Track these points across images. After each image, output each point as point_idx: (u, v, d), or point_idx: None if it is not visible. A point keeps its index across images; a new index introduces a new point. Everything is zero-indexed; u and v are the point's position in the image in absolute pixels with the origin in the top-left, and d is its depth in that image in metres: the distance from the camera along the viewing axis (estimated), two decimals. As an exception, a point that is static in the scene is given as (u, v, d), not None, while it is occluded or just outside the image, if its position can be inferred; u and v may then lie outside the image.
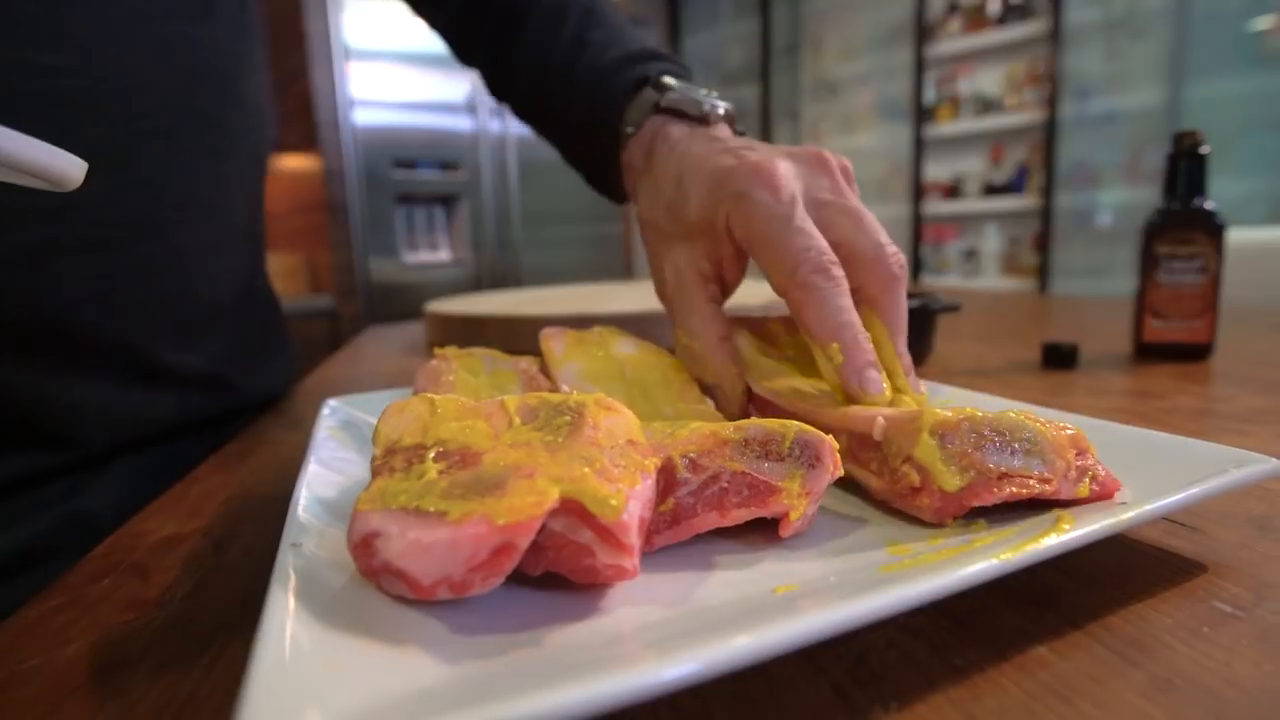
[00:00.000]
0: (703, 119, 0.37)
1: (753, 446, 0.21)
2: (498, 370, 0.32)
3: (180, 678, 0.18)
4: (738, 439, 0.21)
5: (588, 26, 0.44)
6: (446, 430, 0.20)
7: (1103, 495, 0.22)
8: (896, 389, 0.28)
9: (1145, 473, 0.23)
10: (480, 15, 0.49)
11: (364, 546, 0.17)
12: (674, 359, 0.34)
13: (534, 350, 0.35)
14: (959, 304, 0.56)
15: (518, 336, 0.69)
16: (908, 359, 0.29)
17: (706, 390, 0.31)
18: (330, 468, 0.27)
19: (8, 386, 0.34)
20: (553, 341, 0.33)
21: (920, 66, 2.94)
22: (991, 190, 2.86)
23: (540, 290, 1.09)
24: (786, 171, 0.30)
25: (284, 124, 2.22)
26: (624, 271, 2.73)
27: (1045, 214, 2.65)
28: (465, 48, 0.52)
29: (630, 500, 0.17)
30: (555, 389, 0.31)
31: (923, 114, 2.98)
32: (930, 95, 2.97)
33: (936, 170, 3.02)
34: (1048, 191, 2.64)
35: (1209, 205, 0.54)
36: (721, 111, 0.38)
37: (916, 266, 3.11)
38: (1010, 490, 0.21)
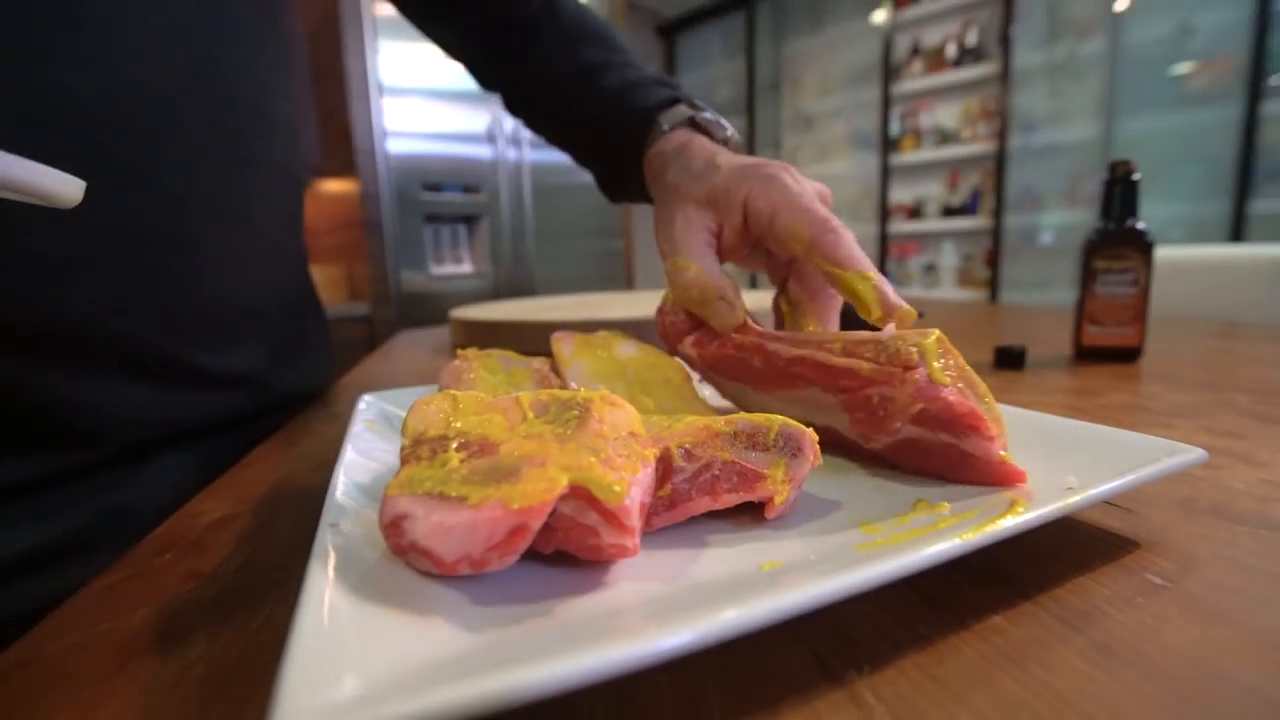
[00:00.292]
0: (724, 141, 0.40)
1: (741, 438, 0.21)
2: (513, 369, 0.32)
3: (232, 642, 0.18)
4: (728, 431, 0.21)
5: (612, 49, 0.46)
6: (467, 423, 0.20)
7: (1009, 477, 0.22)
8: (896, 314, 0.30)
9: (1087, 460, 0.23)
10: (497, 44, 0.50)
11: (393, 527, 0.17)
12: (671, 360, 0.33)
13: (546, 352, 0.35)
14: (921, 312, 0.56)
15: (531, 339, 0.69)
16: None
17: (703, 315, 0.32)
18: (365, 456, 0.27)
19: (48, 390, 0.32)
20: (562, 344, 0.33)
21: (887, 102, 2.94)
22: (949, 212, 2.85)
23: (551, 299, 1.08)
24: (796, 174, 0.34)
25: (326, 152, 2.22)
26: (626, 282, 2.72)
27: (996, 233, 2.65)
28: (482, 73, 0.53)
29: (632, 486, 0.17)
30: (565, 386, 0.31)
31: (889, 144, 2.98)
32: (895, 128, 2.97)
33: (901, 194, 3.02)
34: (998, 213, 2.64)
35: (1140, 225, 0.54)
36: (736, 139, 0.41)
37: (882, 278, 3.11)
38: (970, 410, 0.22)
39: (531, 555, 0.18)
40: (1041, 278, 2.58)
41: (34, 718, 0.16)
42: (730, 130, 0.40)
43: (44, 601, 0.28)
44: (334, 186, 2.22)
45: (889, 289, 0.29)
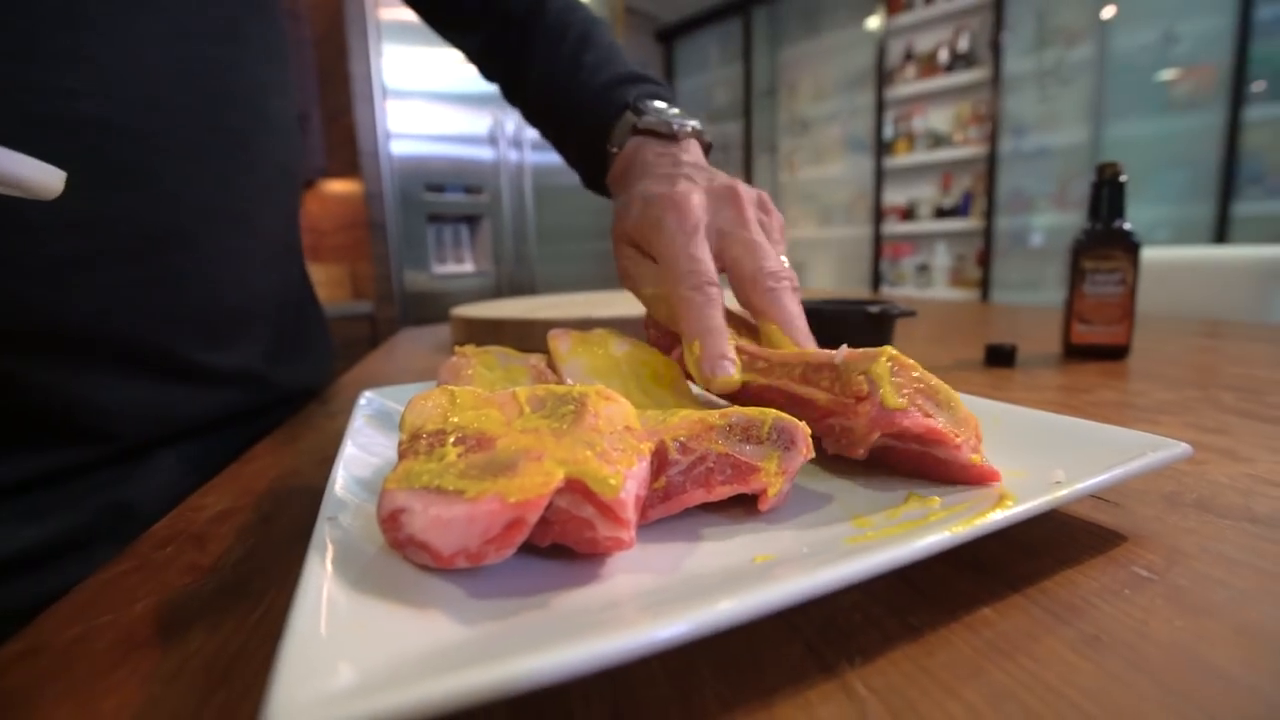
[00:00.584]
0: (673, 137, 0.38)
1: (735, 431, 0.21)
2: (510, 366, 0.32)
3: (232, 634, 0.18)
4: (722, 425, 0.21)
5: (582, 49, 0.45)
6: (464, 418, 0.20)
7: (983, 477, 0.22)
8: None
9: (1076, 455, 0.22)
10: (501, 37, 0.50)
11: (391, 521, 0.16)
12: (666, 357, 0.33)
13: (546, 349, 0.35)
14: (914, 311, 0.56)
15: (531, 337, 0.69)
16: (812, 347, 0.29)
17: (668, 320, 0.32)
18: (365, 451, 0.27)
19: (45, 387, 0.32)
20: (559, 341, 0.33)
21: (881, 107, 2.94)
22: (941, 213, 2.85)
23: (551, 297, 1.08)
24: (697, 204, 0.32)
25: (330, 153, 2.21)
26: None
27: (987, 234, 2.65)
28: (488, 66, 0.52)
29: (627, 480, 0.17)
30: (561, 382, 0.31)
31: (883, 147, 2.97)
32: (889, 131, 2.96)
33: (894, 196, 3.02)
34: (989, 215, 2.64)
35: (1127, 226, 0.54)
36: (690, 129, 0.39)
37: (876, 279, 3.11)
38: (930, 426, 0.21)
39: (528, 548, 0.18)
40: (1032, 278, 2.58)
41: (36, 708, 0.15)
42: (679, 123, 0.38)
43: (43, 598, 0.28)
44: (338, 187, 2.21)
45: (706, 363, 0.27)
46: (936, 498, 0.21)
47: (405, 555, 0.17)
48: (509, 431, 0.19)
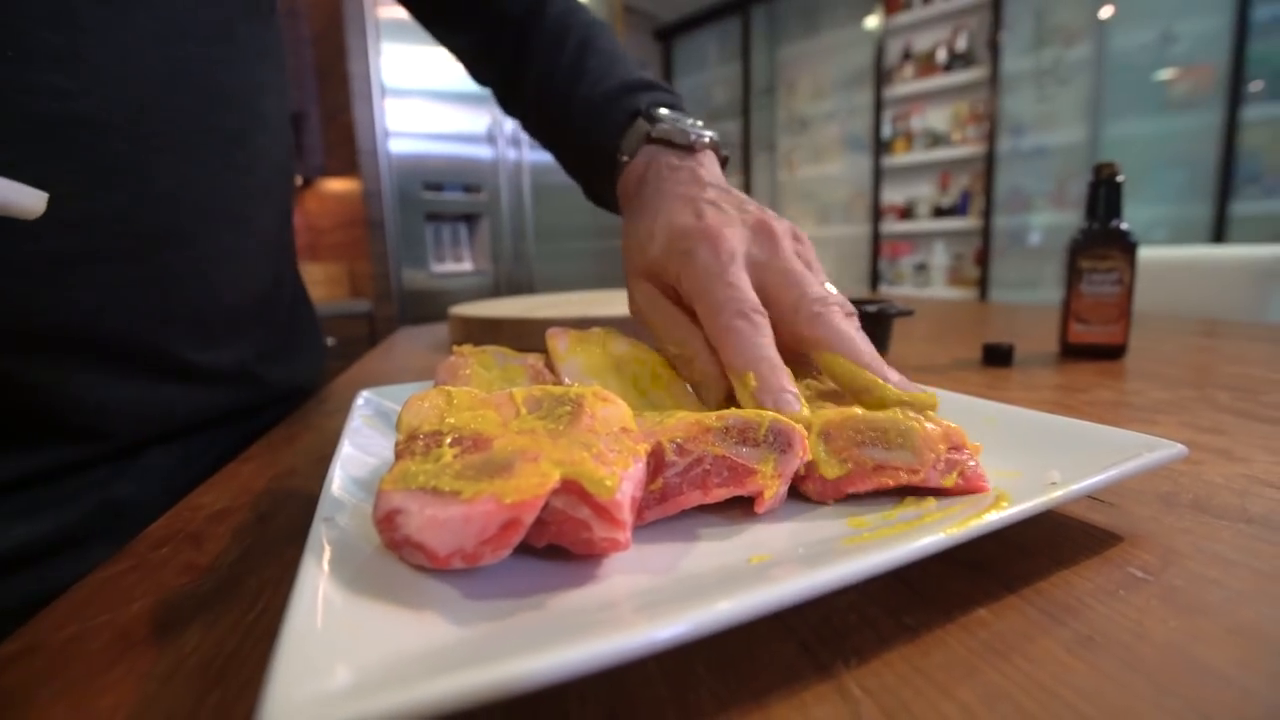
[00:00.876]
0: (689, 148, 0.37)
1: (732, 433, 0.21)
2: (508, 365, 0.32)
3: (227, 634, 0.18)
4: (719, 427, 0.21)
5: (585, 54, 0.43)
6: (461, 419, 0.20)
7: (968, 489, 0.21)
8: (879, 398, 0.26)
9: (1072, 455, 0.23)
10: (494, 39, 0.48)
11: (387, 521, 0.16)
12: (656, 354, 0.33)
13: (544, 348, 0.34)
14: (912, 310, 0.56)
15: (529, 336, 0.69)
16: (884, 369, 0.27)
17: (694, 387, 0.31)
18: (362, 451, 0.27)
19: (42, 386, 0.32)
20: (557, 340, 0.33)
21: (879, 106, 2.94)
22: (940, 212, 2.86)
23: (550, 296, 1.08)
24: (732, 236, 0.30)
25: (329, 151, 2.21)
26: (623, 281, 2.73)
27: (985, 233, 2.66)
28: (478, 68, 0.51)
29: (623, 481, 0.17)
30: (558, 382, 0.31)
31: (881, 146, 2.97)
32: (888, 130, 2.96)
33: (893, 195, 3.02)
34: (987, 214, 2.64)
35: (1124, 226, 0.54)
36: (707, 140, 0.37)
37: (875, 278, 3.11)
38: (881, 479, 0.21)
39: (524, 549, 0.18)
40: (1030, 277, 2.59)
41: (32, 707, 0.15)
42: (695, 133, 0.37)
43: (36, 597, 0.28)
44: (337, 185, 2.21)
45: (769, 399, 0.24)
46: (932, 499, 0.21)
47: (401, 556, 0.17)
48: (505, 432, 0.19)
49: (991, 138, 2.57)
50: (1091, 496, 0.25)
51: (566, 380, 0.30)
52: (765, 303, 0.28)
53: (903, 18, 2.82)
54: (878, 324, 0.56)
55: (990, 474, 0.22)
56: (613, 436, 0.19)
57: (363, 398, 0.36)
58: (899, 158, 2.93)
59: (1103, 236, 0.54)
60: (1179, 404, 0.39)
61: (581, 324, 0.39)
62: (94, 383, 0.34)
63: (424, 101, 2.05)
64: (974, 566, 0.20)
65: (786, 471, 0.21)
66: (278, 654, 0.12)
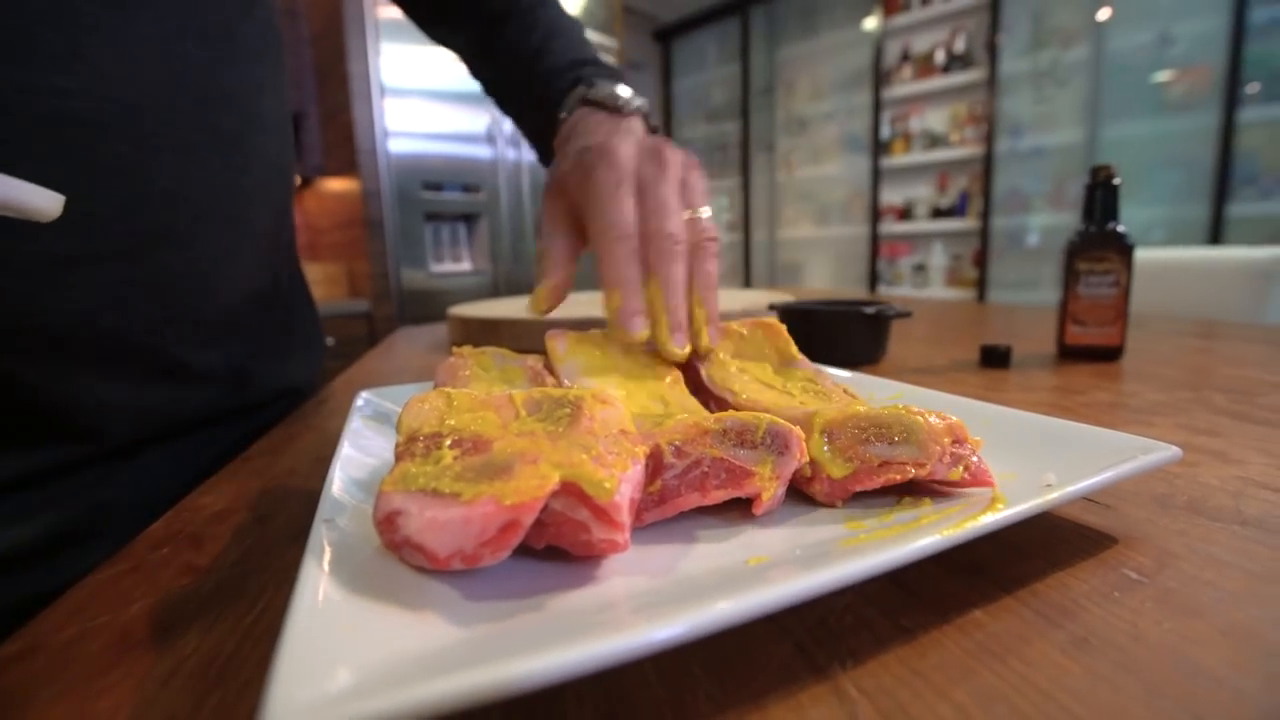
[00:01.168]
0: (617, 110, 0.41)
1: (730, 436, 0.21)
2: (507, 367, 0.32)
3: (227, 635, 0.18)
4: (717, 429, 0.21)
5: (551, 36, 0.50)
6: (461, 420, 0.20)
7: (974, 483, 0.22)
8: (656, 339, 0.31)
9: (1068, 457, 0.23)
10: (486, 37, 0.53)
11: (387, 523, 0.16)
12: (658, 354, 0.33)
13: (543, 349, 0.35)
14: (910, 311, 0.56)
15: (528, 337, 0.69)
16: (699, 315, 0.32)
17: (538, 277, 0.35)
18: (362, 452, 0.27)
19: (39, 386, 0.32)
20: (556, 341, 0.33)
21: (878, 107, 2.94)
22: (938, 213, 2.86)
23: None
24: (626, 154, 0.33)
25: (328, 151, 2.20)
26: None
27: (983, 234, 2.66)
28: (477, 65, 0.56)
29: (622, 483, 0.17)
30: (558, 383, 0.31)
31: (880, 147, 2.98)
32: (886, 131, 2.97)
33: (891, 196, 3.02)
34: (985, 215, 2.64)
35: (1121, 228, 0.54)
36: (635, 106, 0.42)
37: (873, 279, 3.11)
38: (888, 475, 0.21)
39: (524, 550, 0.18)
40: (1028, 277, 2.59)
41: (32, 708, 0.15)
42: (624, 99, 0.42)
43: (31, 597, 0.28)
44: (336, 185, 2.21)
45: (623, 315, 0.30)
46: (928, 500, 0.21)
47: (401, 557, 0.17)
48: (505, 434, 0.19)
49: (990, 139, 2.57)
50: (1087, 498, 0.25)
51: (566, 381, 0.30)
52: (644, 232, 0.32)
53: (901, 19, 2.82)
54: (876, 326, 0.56)
55: (986, 476, 0.22)
56: (612, 439, 0.19)
57: (362, 399, 0.36)
58: (897, 158, 2.93)
59: (1100, 239, 0.54)
60: (1175, 406, 0.39)
61: (582, 325, 0.40)
62: (91, 383, 0.34)
63: (423, 101, 2.05)
64: (970, 568, 0.20)
65: (784, 473, 0.21)
66: (280, 655, 0.12)
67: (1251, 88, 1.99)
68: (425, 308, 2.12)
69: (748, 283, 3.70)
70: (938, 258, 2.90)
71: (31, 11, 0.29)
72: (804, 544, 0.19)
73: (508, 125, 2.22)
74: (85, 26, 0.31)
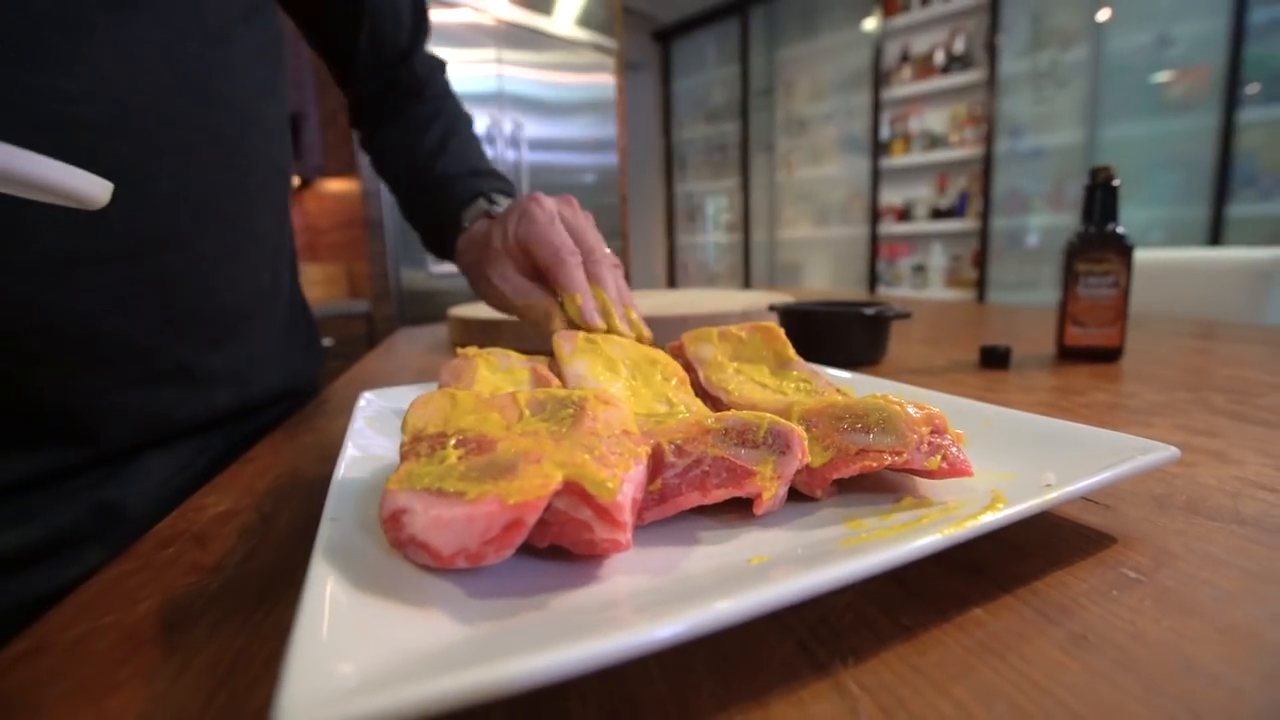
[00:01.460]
0: None
1: (731, 435, 0.21)
2: (512, 368, 0.32)
3: (234, 633, 0.18)
4: (718, 429, 0.21)
5: (449, 137, 0.57)
6: (465, 421, 0.20)
7: (953, 472, 0.22)
8: (610, 328, 0.37)
9: (1067, 458, 0.23)
10: (382, 98, 0.59)
11: (393, 521, 0.17)
12: (668, 358, 0.33)
13: (543, 350, 0.35)
14: (910, 312, 0.56)
15: (530, 338, 0.69)
16: (620, 310, 0.39)
17: (538, 324, 0.40)
18: (365, 452, 0.27)
19: (37, 388, 0.32)
20: (564, 342, 0.33)
21: (877, 107, 2.95)
22: (938, 214, 2.86)
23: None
24: (549, 202, 0.42)
25: (327, 151, 2.20)
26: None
27: (983, 235, 2.66)
28: (359, 115, 0.62)
29: (624, 483, 0.17)
30: (564, 384, 0.31)
31: (879, 148, 2.98)
32: (885, 132, 2.97)
33: (891, 196, 3.02)
34: (985, 216, 2.65)
35: (1120, 229, 0.54)
36: None
37: (872, 279, 3.11)
38: (866, 462, 0.21)
39: (527, 549, 0.18)
40: (1027, 278, 2.59)
41: (42, 706, 0.16)
42: None
43: (31, 599, 0.28)
44: (335, 186, 2.21)
45: (586, 312, 0.37)
46: (929, 500, 0.22)
47: (406, 555, 0.17)
48: (509, 435, 0.19)
49: (989, 139, 2.58)
50: (1086, 498, 0.25)
51: (572, 381, 0.31)
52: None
53: (901, 20, 2.83)
54: (875, 327, 0.56)
55: (986, 475, 0.23)
56: (614, 439, 0.19)
57: (365, 399, 0.36)
58: (897, 159, 2.93)
59: (1099, 240, 0.54)
60: (1174, 406, 0.40)
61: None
62: (92, 385, 0.34)
63: (423, 102, 2.05)
64: (970, 567, 0.20)
65: (785, 473, 0.21)
66: (291, 652, 0.12)
67: (1251, 88, 1.99)
68: (425, 308, 2.12)
69: (747, 283, 3.71)
70: (937, 258, 2.90)
71: (35, 13, 0.29)
72: (805, 543, 0.19)
73: (508, 126, 2.22)
74: (88, 29, 0.31)
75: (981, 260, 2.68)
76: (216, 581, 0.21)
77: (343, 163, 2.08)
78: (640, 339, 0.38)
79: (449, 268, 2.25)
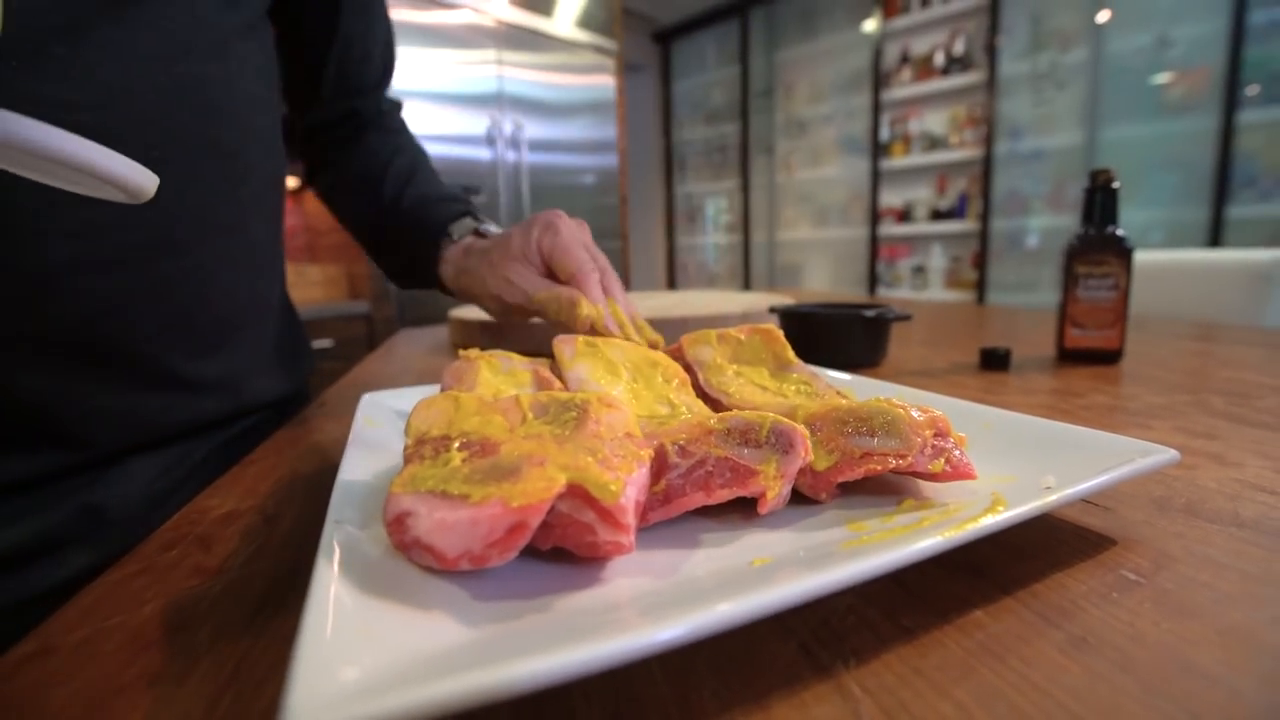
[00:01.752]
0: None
1: (734, 435, 0.21)
2: (514, 370, 0.32)
3: (238, 635, 0.18)
4: (721, 429, 0.21)
5: (415, 165, 0.58)
6: (469, 423, 0.20)
7: (956, 475, 0.22)
8: (626, 337, 0.39)
9: (1067, 460, 0.23)
10: (338, 126, 0.59)
11: (397, 524, 0.17)
12: (665, 358, 0.34)
13: (544, 352, 0.35)
14: (910, 315, 0.56)
15: (529, 340, 0.69)
16: (630, 314, 0.42)
17: (557, 318, 0.41)
18: (368, 454, 0.27)
19: (30, 391, 0.32)
20: (564, 347, 0.33)
21: (877, 109, 2.95)
22: (937, 215, 2.87)
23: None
24: (569, 220, 0.46)
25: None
26: (623, 282, 2.73)
27: (983, 236, 2.67)
28: (308, 146, 0.61)
29: (628, 486, 0.17)
30: (565, 387, 0.31)
31: (879, 149, 2.99)
32: (885, 133, 2.98)
33: (890, 198, 3.03)
34: (985, 217, 2.65)
35: (1120, 231, 0.54)
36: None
37: (872, 281, 3.12)
38: (870, 466, 0.21)
39: (529, 552, 0.18)
40: (1027, 279, 2.60)
41: (48, 708, 0.16)
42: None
43: (14, 601, 0.28)
44: (336, 187, 2.21)
45: (610, 321, 0.40)
46: (930, 502, 0.22)
47: (410, 557, 0.17)
48: (512, 437, 0.19)
49: (989, 141, 2.58)
50: (1086, 500, 0.25)
51: (573, 385, 0.31)
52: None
53: (900, 21, 2.83)
54: (876, 329, 0.56)
55: (987, 478, 0.23)
56: (617, 442, 0.19)
57: (366, 401, 0.36)
58: (897, 160, 2.94)
59: (1099, 242, 0.55)
60: (1173, 409, 0.40)
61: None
62: (84, 389, 0.34)
63: (422, 103, 2.05)
64: (970, 569, 0.20)
65: (789, 472, 0.21)
66: (297, 654, 0.13)
67: (1251, 90, 1.99)
68: (425, 309, 2.12)
69: (747, 284, 3.71)
70: (937, 260, 2.91)
71: (45, 26, 0.30)
72: (807, 546, 0.20)
73: (508, 127, 2.22)
74: (94, 42, 0.32)
75: (981, 262, 2.68)
76: (220, 584, 0.21)
77: (343, 164, 2.08)
78: (653, 345, 0.40)
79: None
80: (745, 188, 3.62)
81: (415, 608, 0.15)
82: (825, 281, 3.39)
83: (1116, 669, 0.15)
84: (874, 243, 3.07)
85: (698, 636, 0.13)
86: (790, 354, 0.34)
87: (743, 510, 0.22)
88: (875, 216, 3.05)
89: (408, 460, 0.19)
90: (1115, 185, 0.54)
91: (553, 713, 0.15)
